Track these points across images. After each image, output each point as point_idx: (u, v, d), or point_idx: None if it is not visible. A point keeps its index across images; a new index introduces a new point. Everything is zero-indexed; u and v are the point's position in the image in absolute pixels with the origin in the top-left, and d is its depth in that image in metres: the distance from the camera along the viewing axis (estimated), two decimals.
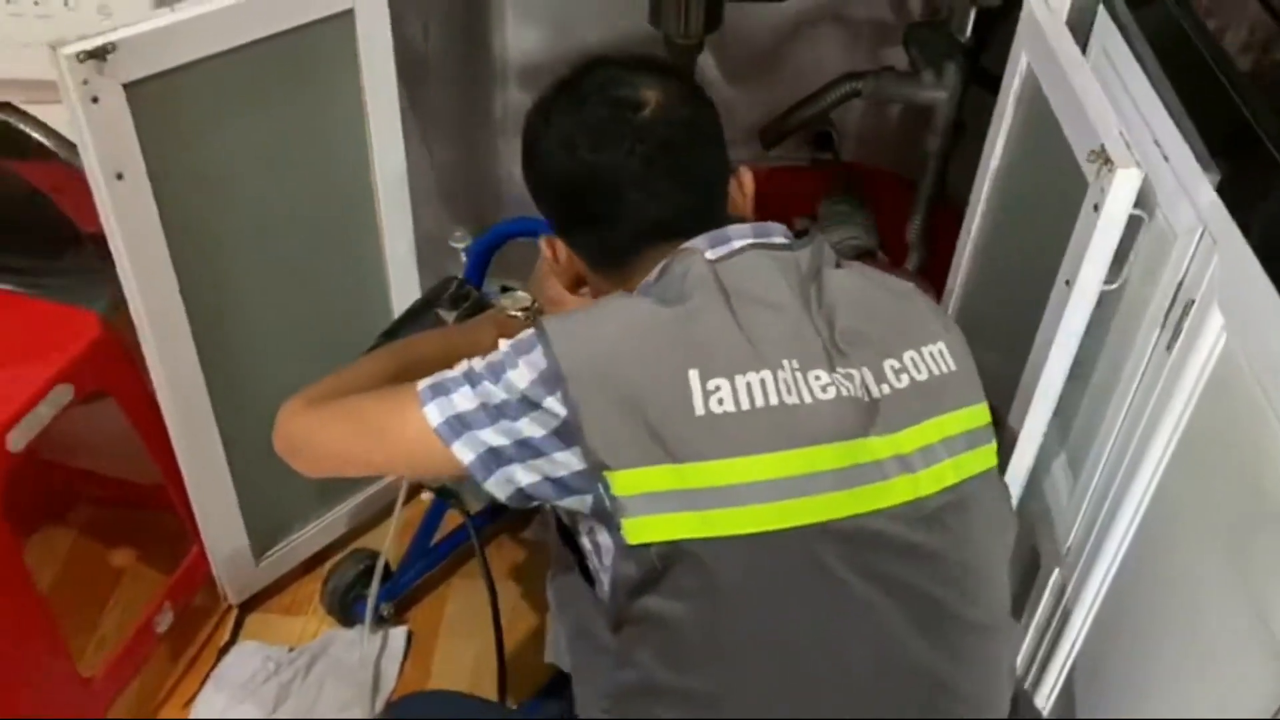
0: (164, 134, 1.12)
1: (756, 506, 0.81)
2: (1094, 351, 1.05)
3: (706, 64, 1.74)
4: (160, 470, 1.38)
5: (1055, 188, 1.04)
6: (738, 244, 0.92)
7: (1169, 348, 0.91)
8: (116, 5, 1.15)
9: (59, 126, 1.25)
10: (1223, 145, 0.88)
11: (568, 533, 0.98)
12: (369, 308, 1.47)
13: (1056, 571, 1.12)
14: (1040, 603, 1.15)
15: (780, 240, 0.95)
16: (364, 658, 1.49)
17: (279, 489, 1.51)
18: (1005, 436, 1.07)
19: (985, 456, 0.92)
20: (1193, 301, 0.87)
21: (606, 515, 0.83)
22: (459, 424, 0.87)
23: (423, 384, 0.90)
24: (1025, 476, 1.12)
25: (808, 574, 0.83)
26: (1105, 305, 0.99)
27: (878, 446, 0.85)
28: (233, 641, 1.53)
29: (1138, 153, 0.92)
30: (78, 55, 1.00)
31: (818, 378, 0.84)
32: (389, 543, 1.45)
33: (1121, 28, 1.10)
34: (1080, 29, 1.17)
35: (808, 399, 0.83)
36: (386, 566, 1.50)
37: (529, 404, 0.84)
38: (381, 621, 1.53)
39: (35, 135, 1.25)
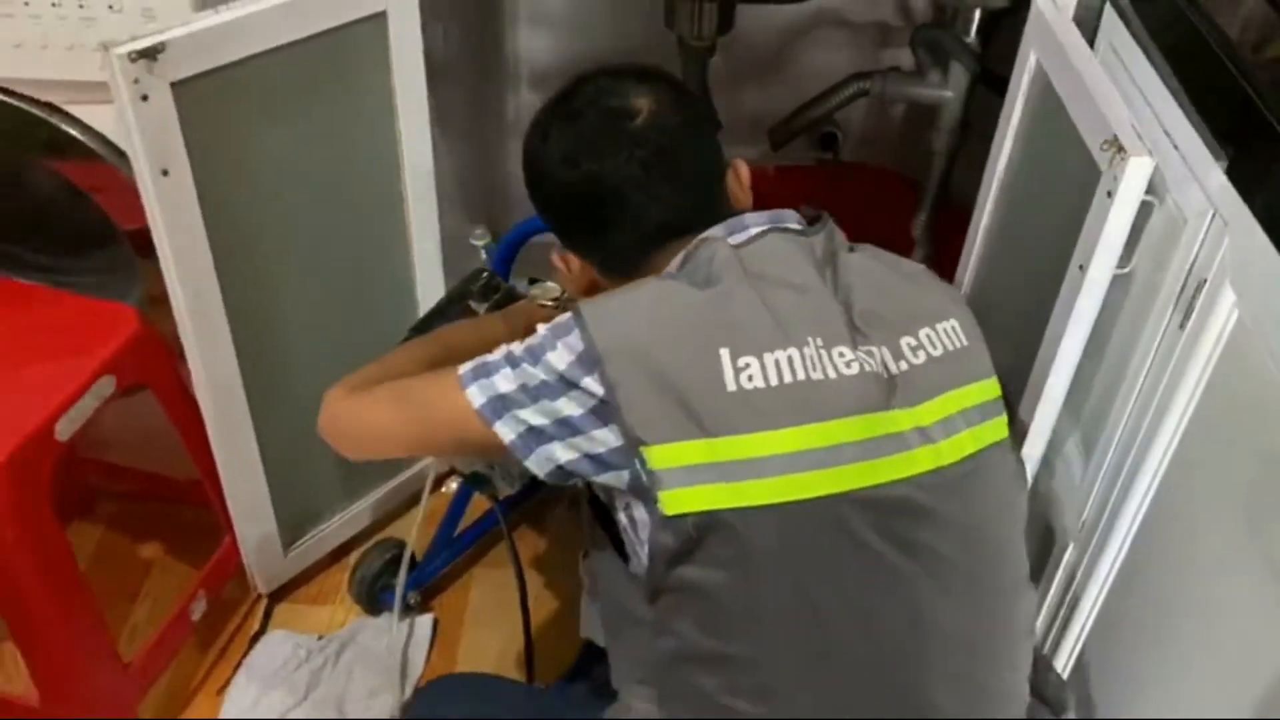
0: (206, 131, 1.15)
1: (787, 477, 0.85)
2: (1106, 333, 1.09)
3: (715, 65, 1.78)
4: (194, 461, 1.42)
5: (1065, 178, 1.08)
6: (755, 230, 0.97)
7: (1181, 326, 0.95)
8: (159, 8, 1.19)
9: (100, 127, 1.29)
10: (1230, 131, 0.92)
11: (601, 511, 1.02)
12: (396, 302, 1.51)
13: (1071, 546, 1.17)
14: (1055, 576, 1.19)
15: (795, 226, 0.99)
16: (392, 645, 1.52)
17: (307, 480, 1.54)
18: (1018, 420, 1.11)
19: (999, 427, 0.97)
20: (1204, 281, 0.91)
21: (643, 489, 0.87)
22: (500, 404, 0.91)
23: (464, 368, 0.94)
24: (1040, 457, 1.16)
25: (837, 540, 0.87)
26: (1116, 289, 1.03)
27: (900, 419, 0.89)
28: (263, 630, 1.56)
29: (1148, 141, 0.96)
30: (130, 55, 1.04)
31: (841, 354, 0.88)
32: (415, 532, 1.49)
33: (1127, 23, 1.15)
34: (1086, 26, 1.22)
35: (833, 374, 0.87)
36: (412, 556, 1.53)
37: (567, 384, 0.88)
38: (408, 610, 1.56)
39: (77, 135, 1.29)
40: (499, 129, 2.13)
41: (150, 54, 1.05)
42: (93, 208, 1.37)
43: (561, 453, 0.90)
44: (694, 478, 0.85)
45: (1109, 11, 1.19)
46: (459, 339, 1.13)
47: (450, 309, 1.29)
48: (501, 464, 1.24)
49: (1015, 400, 1.12)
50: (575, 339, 0.88)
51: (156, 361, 1.31)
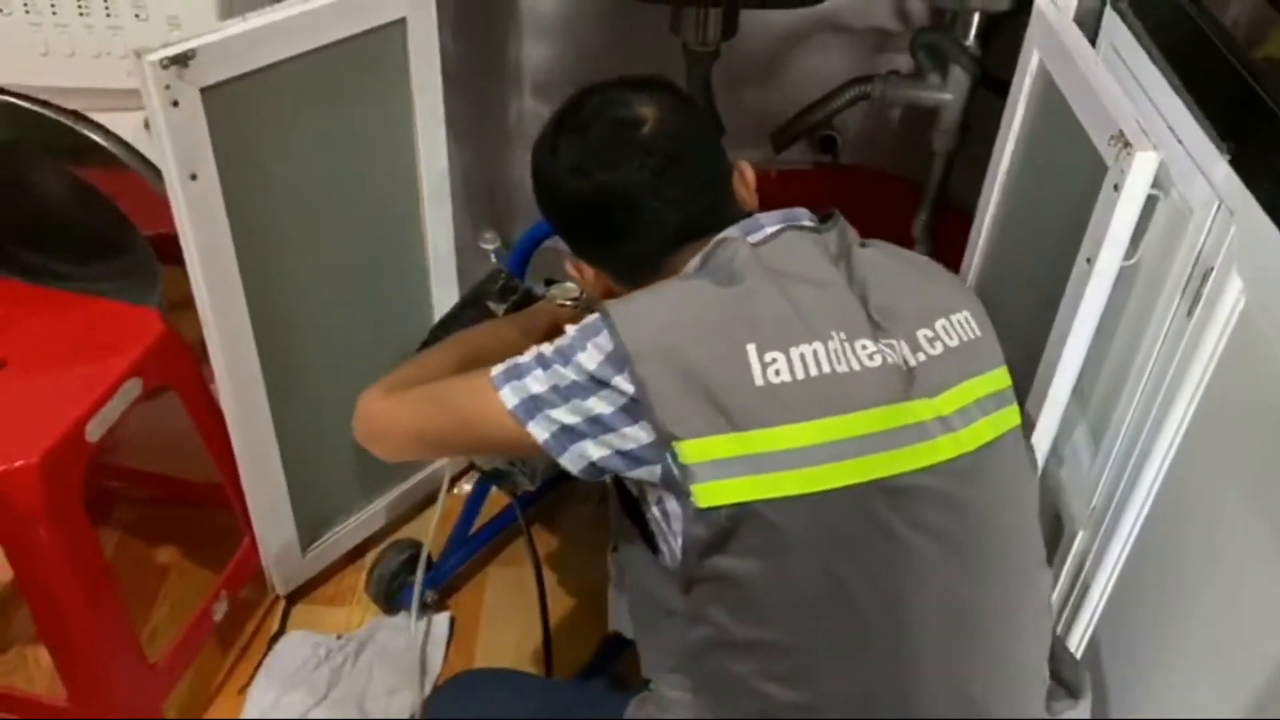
0: (232, 136, 1.18)
1: (815, 468, 0.87)
2: (1113, 324, 1.12)
3: (716, 70, 1.82)
4: (215, 463, 1.44)
5: (1070, 174, 1.12)
6: (771, 229, 0.99)
7: (1189, 314, 0.98)
8: (185, 16, 1.22)
9: (124, 133, 1.31)
10: (1232, 123, 0.96)
11: (630, 504, 1.04)
12: (411, 305, 1.54)
13: (1081, 532, 1.20)
14: (1066, 561, 1.22)
15: (808, 223, 1.02)
16: (410, 643, 1.54)
17: (325, 482, 1.57)
18: (1026, 410, 1.14)
19: (1013, 414, 0.99)
20: (1211, 269, 0.95)
21: (675, 483, 0.89)
22: (533, 405, 0.93)
23: (496, 370, 0.96)
24: (1049, 446, 1.19)
25: (865, 527, 0.89)
26: (1123, 280, 1.06)
27: (921, 409, 0.91)
28: (281, 631, 1.58)
29: (1152, 136, 1.00)
30: (161, 62, 1.07)
31: (864, 347, 0.91)
32: (432, 531, 1.51)
33: (1127, 23, 1.19)
34: (1086, 27, 1.26)
35: (856, 367, 0.90)
36: (428, 555, 1.56)
37: (598, 383, 0.90)
38: (425, 608, 1.58)
39: (102, 142, 1.31)
40: (502, 135, 2.15)
41: (181, 60, 1.08)
42: (111, 213, 1.39)
43: (594, 450, 0.92)
44: (725, 471, 0.87)
45: (1109, 12, 1.23)
46: (486, 340, 1.16)
47: (469, 310, 1.32)
48: (523, 461, 1.26)
49: (1023, 391, 1.15)
50: (604, 339, 0.90)
51: (180, 364, 1.33)
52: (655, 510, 0.96)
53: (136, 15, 1.22)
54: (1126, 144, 0.97)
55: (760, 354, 0.88)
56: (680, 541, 0.92)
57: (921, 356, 0.93)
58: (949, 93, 1.73)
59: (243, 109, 1.17)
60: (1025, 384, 1.14)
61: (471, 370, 1.01)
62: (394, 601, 1.60)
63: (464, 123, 2.02)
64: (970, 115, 1.75)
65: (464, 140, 1.99)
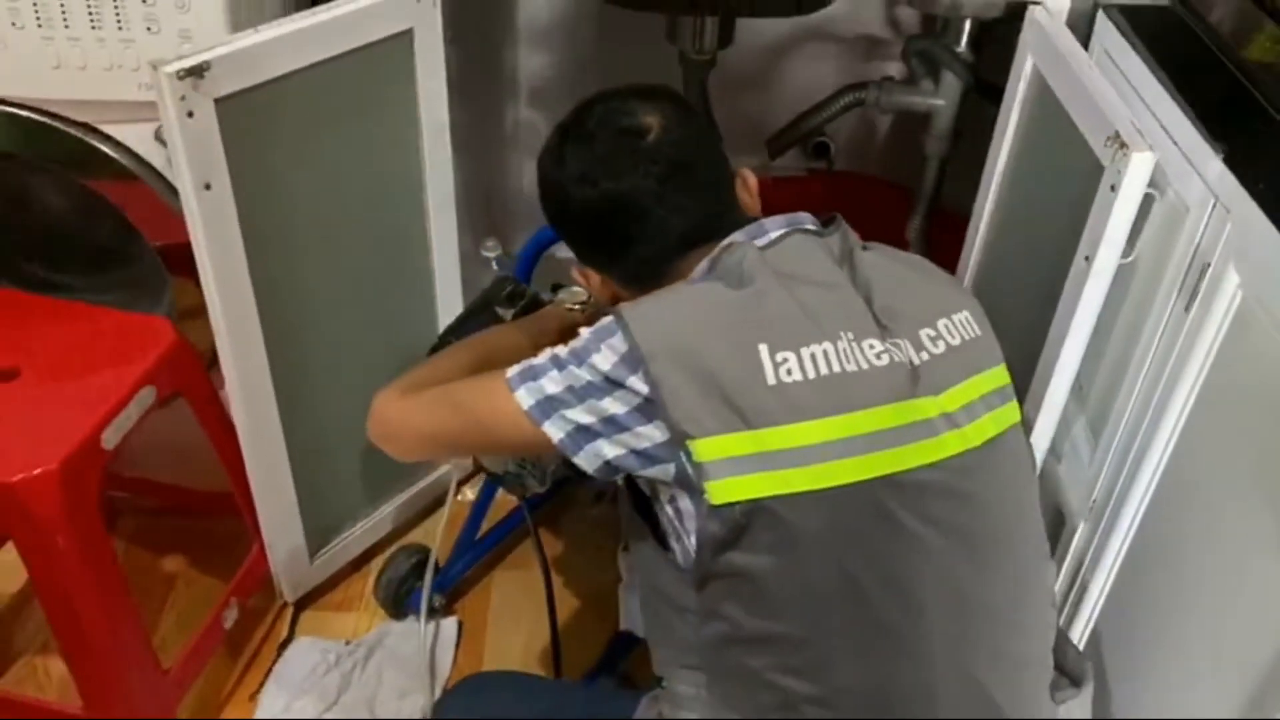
0: (245, 146, 1.19)
1: (827, 464, 0.89)
2: (1111, 320, 1.15)
3: (712, 78, 1.84)
4: (225, 470, 1.45)
5: (1066, 175, 1.15)
6: (776, 233, 1.01)
7: (1187, 309, 1.01)
8: (196, 29, 1.23)
9: (134, 145, 1.33)
10: (1225, 122, 0.99)
11: (641, 504, 1.06)
12: (417, 313, 1.56)
13: (1081, 526, 1.22)
14: (1067, 555, 1.24)
15: (811, 227, 1.04)
16: (419, 647, 1.55)
17: (333, 488, 1.58)
18: (1025, 408, 1.16)
19: (1015, 410, 1.02)
20: (1208, 265, 0.98)
21: (689, 481, 0.91)
22: (549, 405, 0.95)
23: (511, 371, 0.98)
24: (1048, 442, 1.22)
25: (876, 522, 0.91)
26: (1120, 278, 1.09)
27: (927, 406, 0.93)
28: (290, 637, 1.59)
29: (1147, 137, 1.03)
30: (177, 73, 1.08)
31: (871, 346, 0.93)
32: (440, 536, 1.53)
33: (1119, 27, 1.22)
34: (1078, 32, 1.29)
35: (865, 366, 0.92)
36: (435, 560, 1.57)
37: (613, 384, 0.92)
38: (433, 613, 1.59)
39: (112, 154, 1.33)
40: (500, 144, 2.17)
41: (197, 72, 1.09)
42: (118, 225, 1.41)
43: (609, 449, 0.94)
44: (739, 468, 0.89)
45: (1101, 17, 1.26)
46: (497, 344, 1.18)
47: (477, 316, 1.33)
48: (532, 463, 1.28)
49: (1022, 389, 1.18)
50: (618, 340, 0.92)
51: (192, 373, 1.34)
52: (668, 509, 0.98)
53: (148, 28, 1.24)
54: (1122, 145, 1.00)
55: (772, 354, 0.90)
56: (694, 539, 0.94)
57: (925, 355, 0.95)
58: (941, 98, 1.76)
59: (255, 119, 1.19)
60: (1023, 382, 1.17)
61: (484, 372, 1.03)
62: (402, 606, 1.61)
63: (462, 131, 2.02)
64: (962, 120, 1.78)
65: (462, 149, 2.00)
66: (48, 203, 1.53)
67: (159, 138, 1.32)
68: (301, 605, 1.64)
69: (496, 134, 2.16)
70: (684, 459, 0.90)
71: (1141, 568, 1.14)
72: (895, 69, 2.01)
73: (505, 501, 1.73)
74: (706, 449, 0.89)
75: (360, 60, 1.27)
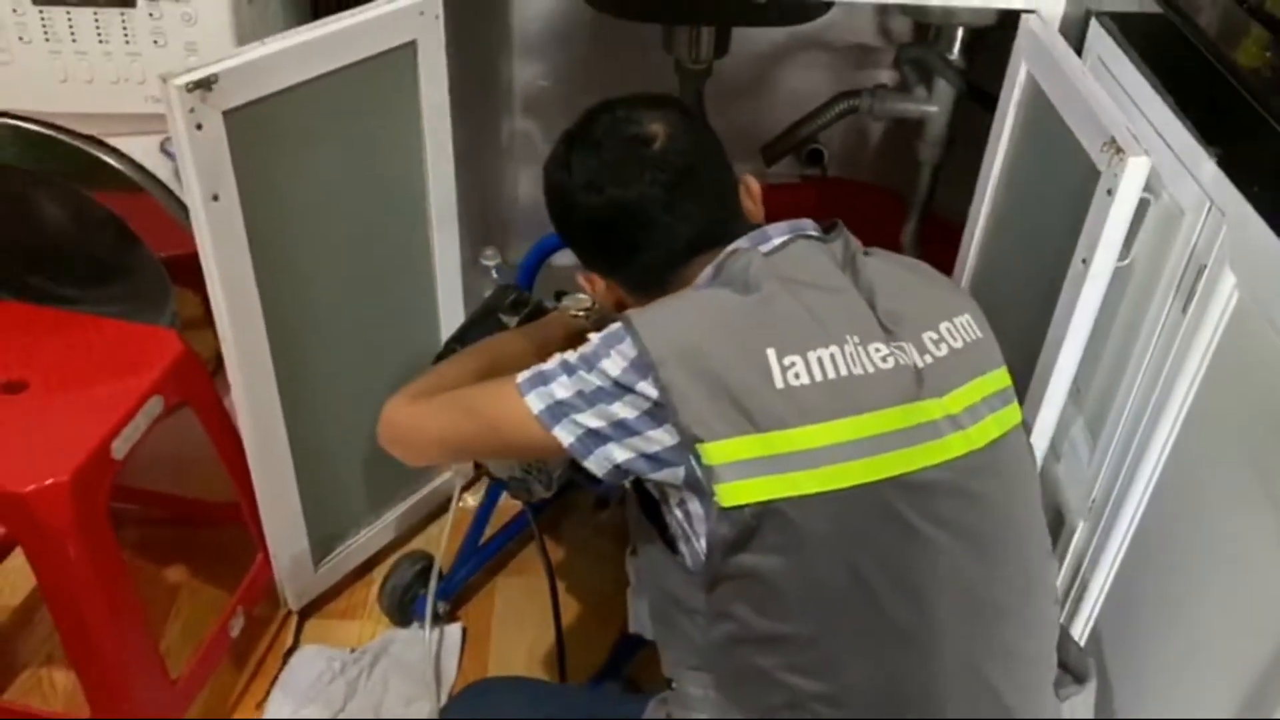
0: (252, 158, 1.20)
1: (835, 466, 0.91)
2: (1108, 322, 1.17)
3: (707, 87, 1.86)
4: (231, 479, 1.45)
5: (1062, 180, 1.17)
6: (780, 239, 1.03)
7: (1184, 311, 1.03)
8: (202, 43, 1.25)
9: (139, 158, 1.34)
10: (1219, 125, 1.01)
11: (649, 507, 1.07)
12: (420, 322, 1.57)
13: (1081, 525, 1.24)
14: (1067, 553, 1.26)
15: (814, 233, 1.06)
16: (424, 654, 1.56)
17: (336, 496, 1.59)
18: (1024, 410, 1.18)
19: (1016, 412, 1.03)
20: (1204, 266, 1.00)
21: (698, 484, 0.92)
22: (559, 410, 0.96)
23: (521, 376, 0.99)
24: (1047, 442, 1.24)
25: (884, 522, 0.92)
26: (1117, 280, 1.11)
27: (931, 408, 0.95)
28: (295, 646, 1.60)
29: (1142, 142, 1.05)
30: (186, 86, 1.09)
31: (877, 349, 0.94)
32: (444, 542, 1.54)
33: (1112, 34, 1.24)
34: (1070, 39, 1.31)
35: (871, 369, 0.93)
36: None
37: (622, 389, 0.93)
38: (437, 619, 1.60)
39: (118, 166, 1.34)
40: (496, 154, 2.19)
41: (205, 84, 1.11)
42: (122, 236, 1.42)
43: (619, 453, 0.95)
44: (748, 471, 0.90)
45: (1094, 24, 1.29)
46: (504, 350, 1.19)
47: (481, 324, 1.35)
48: (538, 468, 1.29)
49: (1020, 390, 1.19)
50: (628, 346, 0.94)
51: (199, 382, 1.35)
52: (677, 512, 0.99)
53: (155, 42, 1.25)
54: (1118, 150, 1.02)
55: (779, 358, 0.91)
56: (703, 541, 0.95)
57: (929, 358, 0.97)
58: (935, 105, 1.79)
59: (262, 131, 1.20)
60: (1022, 383, 1.18)
61: (493, 378, 1.04)
62: (406, 613, 1.62)
63: (457, 141, 2.05)
64: (955, 127, 1.81)
65: (458, 158, 2.02)
66: (50, 215, 1.54)
67: (164, 150, 1.34)
68: (306, 613, 1.65)
69: (492, 144, 2.18)
70: (693, 462, 0.91)
71: (1141, 566, 1.16)
72: (888, 76, 2.04)
73: (507, 508, 1.74)
74: (716, 452, 0.90)
75: (364, 72, 1.28)
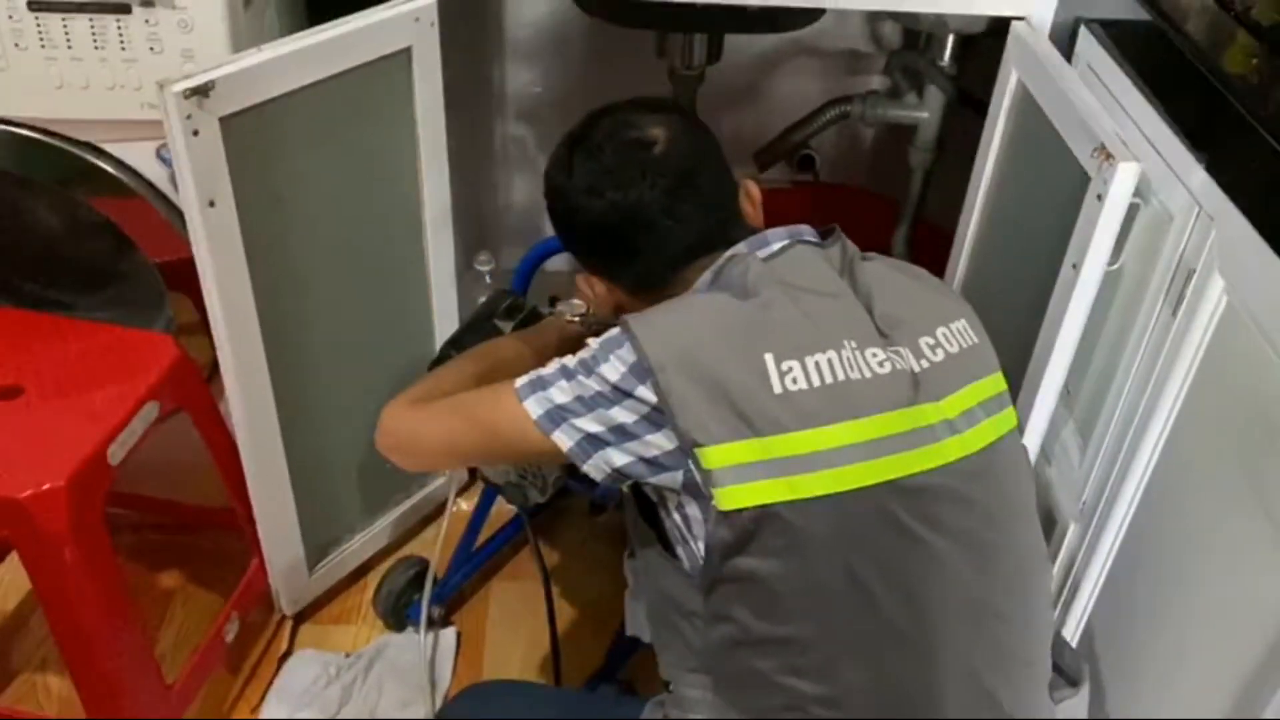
0: (248, 164, 1.21)
1: (833, 470, 0.91)
2: (1098, 326, 1.18)
3: (700, 93, 1.87)
4: (225, 485, 1.45)
5: (1052, 185, 1.18)
6: (778, 244, 1.03)
7: (1173, 314, 1.05)
8: (199, 49, 1.25)
9: (135, 163, 1.34)
10: (1207, 132, 1.03)
11: (647, 511, 1.08)
12: (414, 327, 1.57)
13: (1073, 527, 1.25)
14: (1059, 555, 1.27)
15: (812, 239, 1.07)
16: (419, 658, 1.56)
17: (331, 501, 1.59)
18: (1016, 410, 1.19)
19: (1012, 416, 1.04)
20: (1193, 271, 1.01)
21: (696, 488, 0.93)
22: (558, 414, 0.97)
23: (519, 381, 1.00)
24: (1039, 445, 1.25)
25: (881, 526, 0.93)
26: (1107, 284, 1.12)
27: (928, 413, 0.95)
28: (290, 651, 1.60)
29: (1132, 148, 1.06)
30: (184, 92, 1.10)
31: (874, 354, 0.95)
32: (439, 547, 1.54)
33: (1102, 43, 1.26)
34: (1060, 45, 1.33)
35: (868, 374, 0.94)
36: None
37: (621, 393, 0.94)
38: (431, 624, 1.60)
39: (114, 172, 1.34)
40: (488, 160, 2.20)
41: (202, 91, 1.11)
42: (117, 242, 1.42)
43: (618, 457, 0.96)
44: (747, 475, 0.91)
45: (1083, 31, 1.30)
46: (501, 355, 1.20)
47: (476, 330, 1.35)
48: (533, 473, 1.30)
49: (1011, 393, 1.20)
50: (626, 351, 0.94)
51: (195, 388, 1.35)
52: (675, 515, 0.99)
53: (151, 48, 1.26)
54: (1108, 156, 1.03)
55: (777, 363, 0.92)
56: (702, 544, 0.96)
57: (925, 363, 0.97)
58: (925, 111, 1.80)
59: (258, 137, 1.21)
60: (1013, 387, 1.19)
61: (490, 383, 1.05)
62: (401, 618, 1.62)
63: (452, 147, 2.05)
64: (946, 132, 1.82)
65: (453, 164, 2.03)
66: (46, 221, 1.54)
67: (160, 156, 1.34)
68: (301, 618, 1.65)
69: (486, 150, 2.18)
70: (692, 466, 0.92)
71: (1132, 567, 1.17)
72: (880, 83, 2.05)
73: (501, 513, 1.75)
74: (715, 456, 0.91)
75: (360, 78, 1.29)
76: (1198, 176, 1.01)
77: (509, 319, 1.34)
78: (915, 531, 0.93)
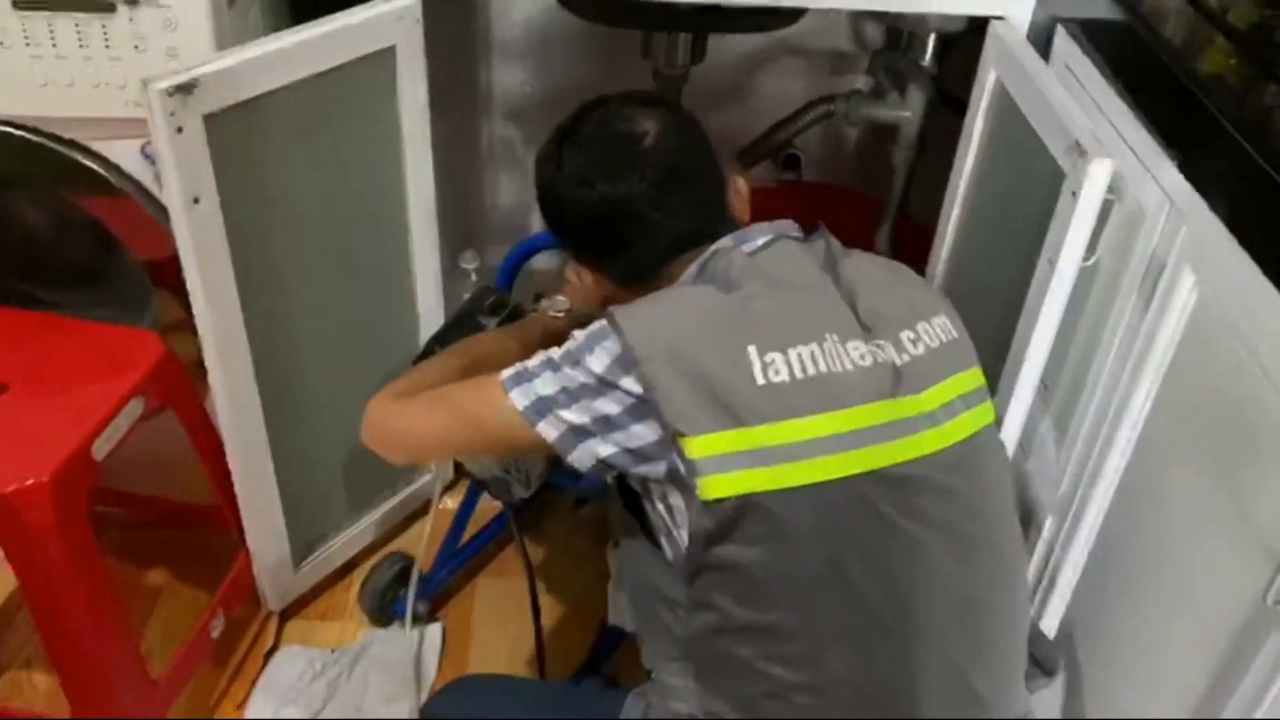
0: (232, 162, 1.21)
1: (815, 460, 0.93)
2: (1074, 321, 1.20)
3: (685, 92, 1.88)
4: (211, 481, 1.46)
5: (1029, 182, 1.19)
6: (763, 239, 1.05)
7: (1146, 308, 1.06)
8: (183, 47, 1.26)
9: (120, 161, 1.35)
10: (1180, 131, 1.04)
11: (631, 501, 1.09)
12: (400, 325, 1.58)
13: (1050, 519, 1.27)
14: (1036, 547, 1.29)
15: (796, 235, 1.08)
16: (405, 653, 1.57)
17: (317, 497, 1.60)
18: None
19: (990, 410, 1.06)
20: (1165, 266, 1.03)
21: (680, 478, 0.94)
22: (543, 406, 0.98)
23: (505, 374, 1.01)
24: (1017, 438, 1.26)
25: (862, 516, 0.94)
26: (1082, 279, 1.14)
27: (908, 405, 0.97)
28: (276, 647, 1.60)
29: (1106, 146, 1.08)
30: (167, 90, 1.11)
31: (855, 348, 0.97)
32: (425, 543, 1.55)
33: (1078, 42, 1.28)
34: (1037, 45, 1.34)
35: (849, 366, 0.96)
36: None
37: (606, 385, 0.95)
38: (417, 620, 1.61)
39: (99, 170, 1.34)
40: (474, 159, 2.21)
41: (186, 89, 1.12)
42: (102, 240, 1.42)
43: (602, 448, 0.97)
44: (730, 464, 0.92)
45: (1061, 31, 1.32)
46: (485, 349, 1.21)
47: (460, 326, 1.36)
48: (517, 467, 1.31)
49: (989, 388, 1.22)
50: (612, 343, 0.96)
51: (179, 384, 1.36)
52: (659, 505, 1.01)
53: (135, 46, 1.26)
54: (1083, 153, 1.05)
55: (760, 355, 0.93)
56: (685, 533, 0.97)
57: (906, 356, 0.99)
58: (907, 110, 1.82)
59: (242, 135, 1.21)
60: (991, 381, 1.20)
61: (474, 377, 1.06)
62: (387, 614, 1.63)
63: (438, 145, 2.06)
64: (927, 131, 1.84)
65: (438, 162, 2.04)
66: (30, 219, 1.54)
67: (145, 154, 1.34)
68: (287, 615, 1.65)
69: (472, 148, 2.19)
70: (676, 457, 0.93)
71: (1108, 558, 1.19)
72: (863, 82, 2.06)
73: (486, 510, 1.76)
74: (698, 446, 0.92)
75: (344, 76, 1.30)
76: (1170, 174, 1.02)
77: (493, 315, 1.35)
78: (896, 521, 0.95)
